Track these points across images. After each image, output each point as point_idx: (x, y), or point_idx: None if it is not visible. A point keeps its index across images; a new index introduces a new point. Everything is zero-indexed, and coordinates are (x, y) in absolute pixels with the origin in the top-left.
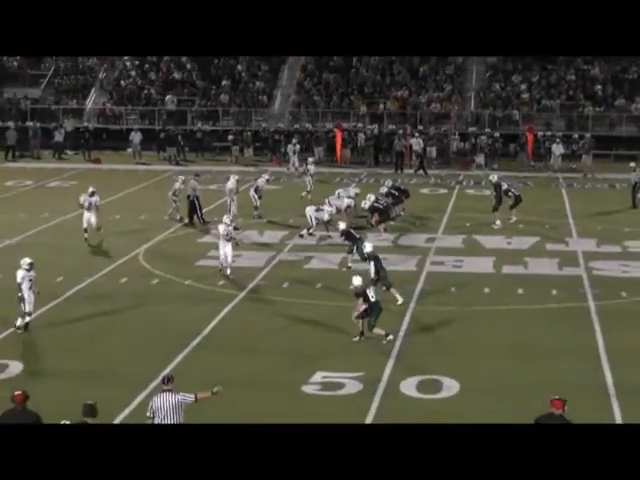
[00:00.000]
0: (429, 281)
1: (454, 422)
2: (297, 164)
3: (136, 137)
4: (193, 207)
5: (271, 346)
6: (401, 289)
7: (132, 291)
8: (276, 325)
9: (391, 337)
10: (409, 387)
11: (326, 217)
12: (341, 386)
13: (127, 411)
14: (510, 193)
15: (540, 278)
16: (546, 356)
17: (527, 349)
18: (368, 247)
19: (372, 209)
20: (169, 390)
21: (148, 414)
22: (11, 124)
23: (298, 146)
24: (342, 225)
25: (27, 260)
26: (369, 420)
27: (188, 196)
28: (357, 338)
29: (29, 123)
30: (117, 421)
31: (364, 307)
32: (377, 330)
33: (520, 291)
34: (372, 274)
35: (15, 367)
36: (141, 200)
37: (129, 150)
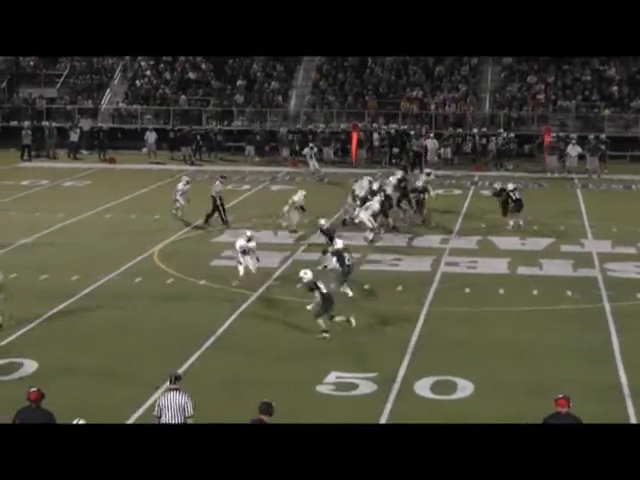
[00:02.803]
0: (444, 282)
1: (468, 423)
2: (317, 165)
3: (151, 137)
4: (216, 208)
5: (285, 346)
6: (415, 290)
7: (147, 291)
8: (290, 325)
9: (353, 322)
10: (423, 388)
11: (377, 207)
12: (355, 386)
13: (141, 410)
14: (511, 197)
15: (555, 279)
16: (561, 357)
17: (542, 350)
18: (339, 244)
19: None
20: (176, 389)
21: (155, 413)
22: (27, 124)
23: (316, 149)
24: (323, 222)
25: None
26: (383, 421)
27: (212, 197)
28: (324, 335)
29: (45, 123)
30: (131, 420)
31: (318, 300)
32: (339, 318)
33: (535, 292)
34: (331, 268)
35: (30, 366)
36: (156, 200)
37: (144, 150)
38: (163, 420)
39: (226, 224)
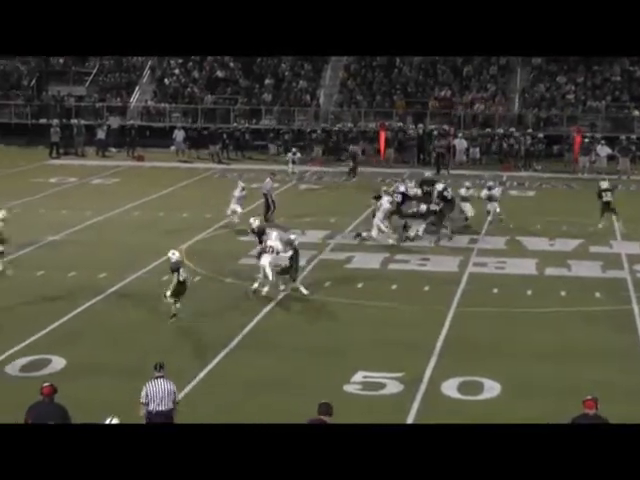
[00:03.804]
0: (471, 282)
1: (495, 423)
2: (295, 170)
3: (179, 135)
4: (269, 204)
5: (312, 345)
6: (443, 290)
7: None
8: (317, 324)
9: (177, 307)
10: (450, 388)
11: (387, 206)
12: (382, 386)
13: None
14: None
15: (583, 280)
16: (588, 358)
17: (569, 351)
18: (292, 237)
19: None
20: (161, 376)
21: (142, 400)
22: (55, 121)
23: (298, 154)
24: (256, 221)
25: None
26: (410, 420)
27: (264, 194)
28: (172, 319)
29: (73, 120)
30: None
31: (175, 282)
32: (174, 306)
33: (563, 293)
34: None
35: (58, 362)
36: (183, 198)
37: (172, 148)
38: (152, 407)
39: (267, 221)
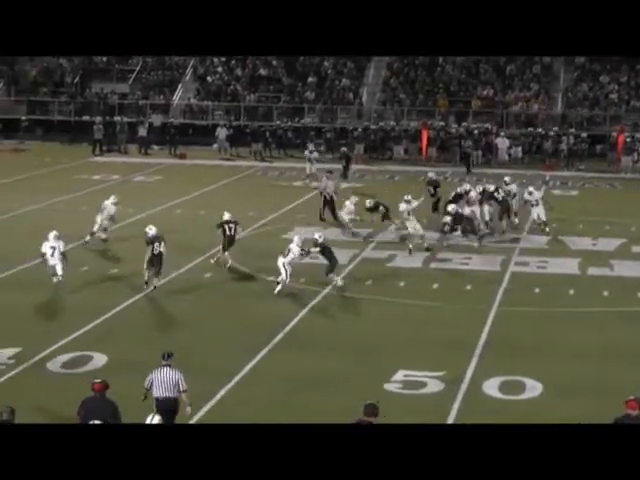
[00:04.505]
0: (513, 282)
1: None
2: (314, 170)
3: (222, 132)
4: (330, 204)
5: (353, 343)
6: (485, 289)
7: (216, 286)
8: (358, 323)
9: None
10: (492, 388)
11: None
12: (423, 385)
13: (208, 406)
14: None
15: (626, 280)
16: (631, 359)
17: (611, 351)
18: (316, 236)
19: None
20: (168, 365)
21: (146, 385)
22: (99, 119)
23: (315, 152)
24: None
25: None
26: (450, 420)
27: (324, 195)
28: (150, 288)
29: (116, 118)
30: (201, 414)
31: (149, 255)
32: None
33: (605, 293)
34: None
35: (99, 359)
36: (226, 196)
37: (215, 146)
38: (156, 394)
39: (323, 220)
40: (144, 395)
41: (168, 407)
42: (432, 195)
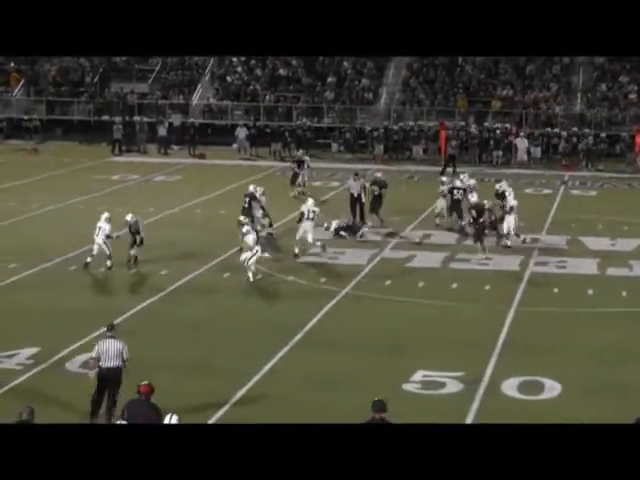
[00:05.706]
0: (532, 281)
1: (556, 423)
2: (306, 178)
3: (241, 132)
4: (356, 203)
5: (372, 343)
6: (504, 289)
7: (235, 286)
8: (378, 322)
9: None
10: (510, 388)
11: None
12: (442, 385)
13: (227, 406)
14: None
15: None
16: None
17: (630, 352)
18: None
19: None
20: (112, 337)
21: (94, 355)
22: (118, 118)
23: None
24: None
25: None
26: (469, 420)
27: (351, 195)
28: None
29: (136, 117)
30: (219, 413)
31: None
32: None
33: (624, 293)
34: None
35: None
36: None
37: (234, 145)
38: (102, 364)
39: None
40: (97, 366)
41: (113, 375)
42: (376, 195)
